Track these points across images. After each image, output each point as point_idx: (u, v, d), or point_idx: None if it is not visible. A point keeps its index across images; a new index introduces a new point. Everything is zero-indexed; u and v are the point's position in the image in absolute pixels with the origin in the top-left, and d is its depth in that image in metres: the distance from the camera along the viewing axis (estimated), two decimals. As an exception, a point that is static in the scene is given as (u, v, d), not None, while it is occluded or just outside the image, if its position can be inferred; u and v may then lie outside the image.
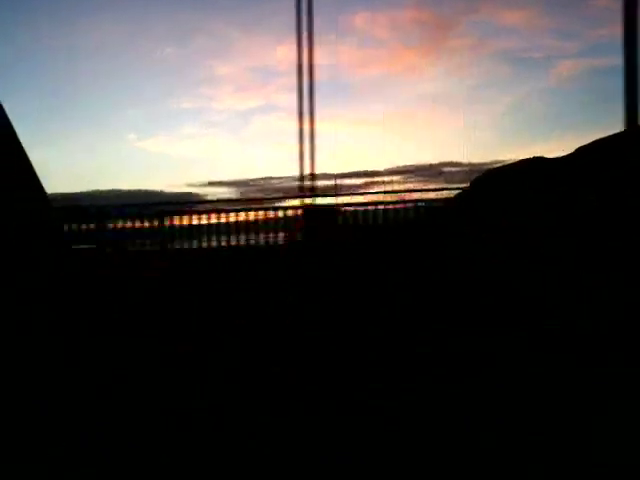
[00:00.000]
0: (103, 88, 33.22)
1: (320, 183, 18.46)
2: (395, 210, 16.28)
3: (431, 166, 21.11)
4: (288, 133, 33.14)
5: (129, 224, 15.87)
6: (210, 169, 37.12)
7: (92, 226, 15.53)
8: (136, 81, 34.88)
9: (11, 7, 29.28)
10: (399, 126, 32.67)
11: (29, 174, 11.68)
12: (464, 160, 21.36)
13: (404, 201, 15.39)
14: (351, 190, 19.41)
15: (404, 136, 31.75)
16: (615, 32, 25.38)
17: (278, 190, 21.98)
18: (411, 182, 20.74)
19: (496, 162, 13.80)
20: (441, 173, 20.40)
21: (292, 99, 31.68)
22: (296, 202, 16.75)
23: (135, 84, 35.02)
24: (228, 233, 15.80)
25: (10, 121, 11.83)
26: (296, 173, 19.34)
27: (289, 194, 18.49)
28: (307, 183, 17.65)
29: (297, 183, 18.68)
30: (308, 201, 16.63)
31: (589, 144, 11.15)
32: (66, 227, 15.27)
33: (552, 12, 27.86)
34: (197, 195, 22.01)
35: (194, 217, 15.75)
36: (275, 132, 35.16)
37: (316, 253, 13.11)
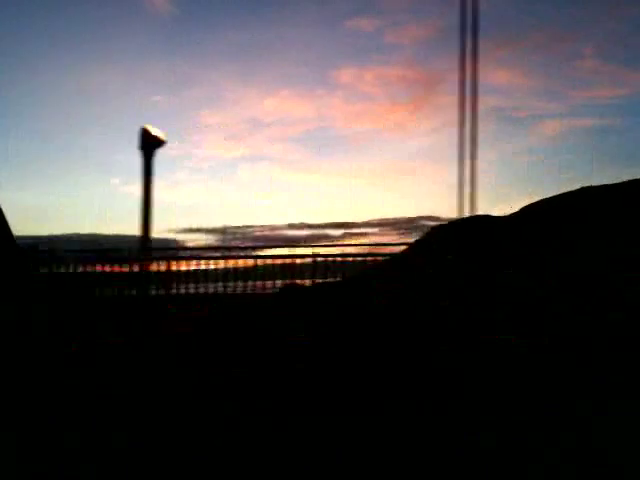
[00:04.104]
0: (90, 132, 32.80)
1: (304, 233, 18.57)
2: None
3: (409, 220, 21.45)
4: (273, 182, 33.80)
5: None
6: (193, 215, 36.87)
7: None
8: (123, 126, 34.68)
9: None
10: (383, 179, 33.75)
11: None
12: (443, 215, 21.94)
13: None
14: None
15: (387, 189, 32.75)
16: (599, 94, 27.63)
17: (256, 239, 22.07)
18: (387, 235, 21.08)
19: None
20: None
21: (279, 149, 32.19)
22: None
23: (122, 129, 34.78)
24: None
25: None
26: (278, 222, 19.57)
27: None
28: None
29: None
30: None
31: (534, 203, 11.98)
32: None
33: (538, 73, 29.89)
34: (176, 241, 21.83)
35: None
36: (259, 181, 35.59)
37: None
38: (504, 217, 12.78)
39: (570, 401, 5.39)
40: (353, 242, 19.05)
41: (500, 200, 31.25)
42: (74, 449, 5.44)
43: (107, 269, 17.01)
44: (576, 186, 11.30)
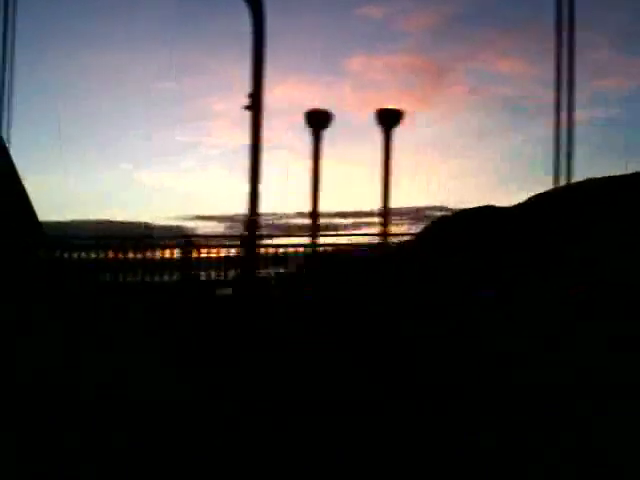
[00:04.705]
0: (102, 118, 32.77)
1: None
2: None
3: (418, 209, 21.27)
4: (281, 170, 33.39)
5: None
6: (202, 202, 36.60)
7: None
8: (135, 113, 34.60)
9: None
10: (391, 168, 33.41)
11: (23, 202, 11.63)
12: (452, 205, 21.62)
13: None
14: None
15: (395, 178, 32.38)
16: (612, 84, 26.93)
17: (265, 227, 21.97)
18: (396, 224, 20.83)
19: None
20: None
21: (287, 137, 31.82)
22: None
23: (134, 116, 34.71)
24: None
25: (8, 151, 11.83)
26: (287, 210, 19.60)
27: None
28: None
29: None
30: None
31: (539, 194, 11.79)
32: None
33: (547, 62, 29.42)
34: (185, 228, 21.77)
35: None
36: (268, 168, 35.18)
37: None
38: (509, 208, 12.60)
39: (570, 401, 5.36)
40: (362, 232, 18.93)
41: (507, 190, 30.92)
42: (74, 449, 5.46)
43: (116, 256, 16.98)
44: (584, 177, 11.10)
